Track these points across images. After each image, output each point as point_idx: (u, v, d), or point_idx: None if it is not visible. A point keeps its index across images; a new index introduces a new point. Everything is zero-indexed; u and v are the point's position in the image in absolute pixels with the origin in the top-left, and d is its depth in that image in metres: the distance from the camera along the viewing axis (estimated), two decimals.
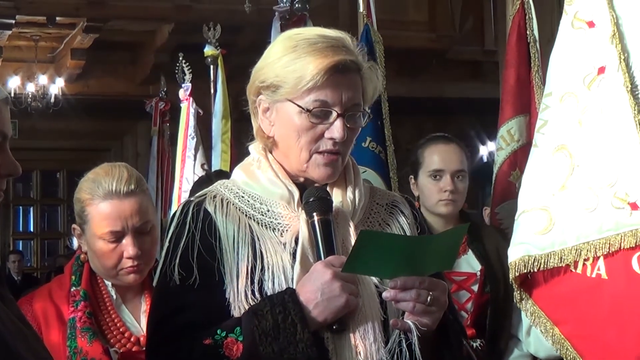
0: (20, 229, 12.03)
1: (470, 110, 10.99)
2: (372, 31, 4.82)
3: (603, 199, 2.83)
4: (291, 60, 2.19)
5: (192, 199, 2.31)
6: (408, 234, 2.36)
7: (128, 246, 2.58)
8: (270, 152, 2.33)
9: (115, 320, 2.61)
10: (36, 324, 2.50)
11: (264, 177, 2.28)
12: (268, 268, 2.17)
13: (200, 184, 3.87)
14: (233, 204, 2.26)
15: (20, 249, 11.61)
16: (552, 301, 2.98)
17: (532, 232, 2.96)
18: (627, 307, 2.80)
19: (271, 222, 2.24)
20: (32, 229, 11.93)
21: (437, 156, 3.72)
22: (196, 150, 6.91)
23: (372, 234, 2.19)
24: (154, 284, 2.35)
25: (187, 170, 6.86)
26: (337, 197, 2.27)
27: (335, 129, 2.18)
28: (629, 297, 2.80)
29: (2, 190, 1.86)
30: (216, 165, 6.54)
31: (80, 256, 2.72)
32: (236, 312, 2.15)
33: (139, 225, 2.59)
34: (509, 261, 3.01)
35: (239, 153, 7.16)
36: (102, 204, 2.58)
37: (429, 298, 2.11)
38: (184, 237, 2.21)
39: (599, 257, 2.85)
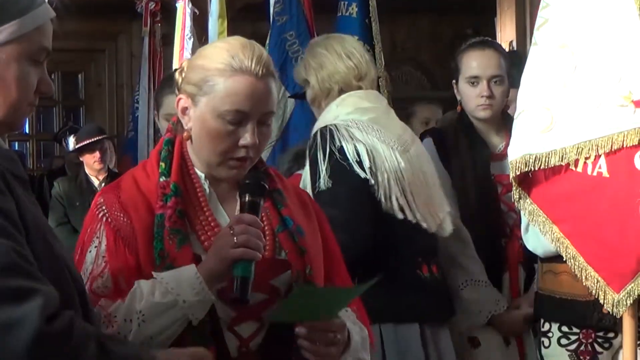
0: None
1: (466, 7, 10.85)
2: None
3: (606, 97, 2.83)
4: None
5: None
6: None
7: (247, 132, 2.23)
8: None
9: (210, 219, 2.28)
10: (124, 214, 2.22)
11: None
12: None
13: (167, 80, 3.79)
14: None
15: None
16: (552, 200, 3.00)
17: (533, 131, 2.96)
18: (628, 205, 2.82)
19: None
20: (27, 131, 11.87)
21: (473, 62, 3.83)
22: (193, 50, 6.88)
23: (306, 289, 2.22)
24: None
25: None
26: None
27: None
28: (630, 195, 2.82)
29: (35, 106, 1.89)
30: None
31: (169, 140, 2.36)
32: None
33: (266, 112, 2.27)
34: (509, 160, 3.02)
35: None
36: (236, 77, 2.22)
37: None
38: None
39: (600, 156, 2.86)
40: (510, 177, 3.03)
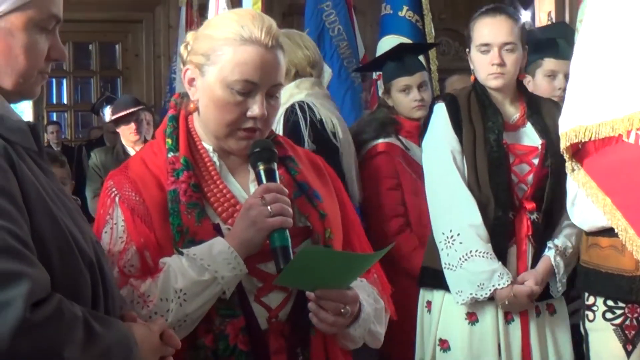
0: (54, 101, 12.05)
1: None
2: None
3: None
4: None
5: None
6: None
7: (256, 104, 2.19)
8: None
9: (224, 192, 2.24)
10: (136, 193, 2.20)
11: None
12: None
13: None
14: None
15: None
16: (604, 171, 2.95)
17: (583, 102, 2.90)
18: None
19: None
20: (65, 101, 11.94)
21: (484, 29, 3.71)
22: None
23: (313, 251, 2.16)
24: None
25: None
26: None
27: None
28: None
29: (48, 73, 1.86)
30: None
31: (173, 116, 2.35)
32: None
33: (275, 83, 2.23)
34: (560, 131, 2.97)
35: None
36: (245, 47, 2.18)
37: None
38: None
39: None
40: (562, 148, 2.98)
